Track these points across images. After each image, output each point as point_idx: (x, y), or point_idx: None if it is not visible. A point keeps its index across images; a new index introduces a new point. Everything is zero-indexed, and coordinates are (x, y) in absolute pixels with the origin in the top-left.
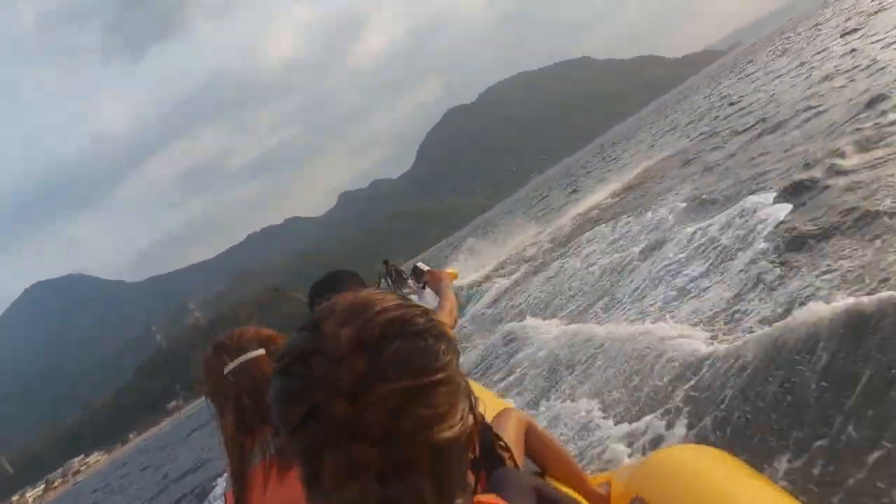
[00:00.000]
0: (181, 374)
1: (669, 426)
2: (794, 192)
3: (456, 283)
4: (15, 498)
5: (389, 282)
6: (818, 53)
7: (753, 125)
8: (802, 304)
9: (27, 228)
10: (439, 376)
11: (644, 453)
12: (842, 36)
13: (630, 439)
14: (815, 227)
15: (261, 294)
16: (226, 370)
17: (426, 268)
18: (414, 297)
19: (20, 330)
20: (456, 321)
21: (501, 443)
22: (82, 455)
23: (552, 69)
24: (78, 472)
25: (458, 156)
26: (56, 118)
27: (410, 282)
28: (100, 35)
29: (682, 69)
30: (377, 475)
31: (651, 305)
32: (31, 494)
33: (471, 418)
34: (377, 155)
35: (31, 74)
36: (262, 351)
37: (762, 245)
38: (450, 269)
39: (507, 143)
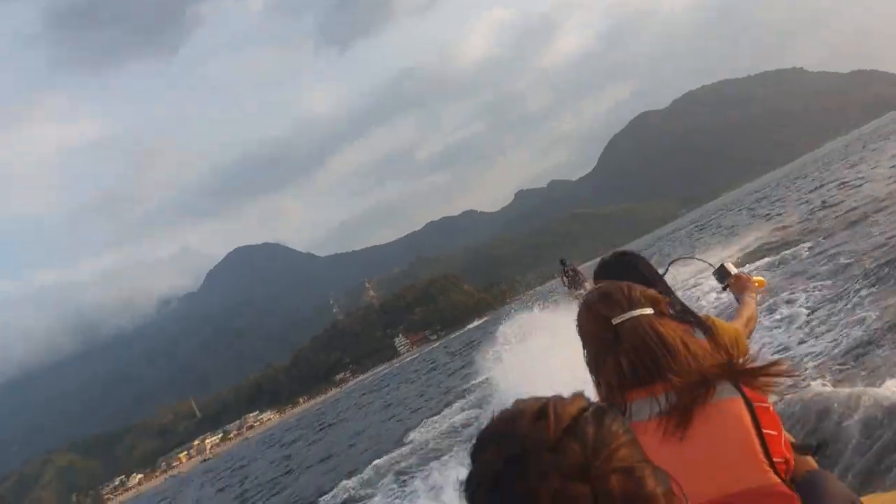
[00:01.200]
0: (351, 348)
1: None
2: None
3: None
4: (196, 442)
5: (566, 280)
6: None
7: None
8: None
9: (236, 198)
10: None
11: None
12: None
13: None
14: None
15: (434, 279)
16: (615, 321)
17: (734, 270)
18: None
19: (221, 287)
20: (751, 333)
21: None
22: (258, 411)
23: (758, 79)
24: (252, 426)
25: (642, 162)
26: (268, 100)
27: (587, 284)
28: (313, 27)
29: None
30: None
31: None
32: (209, 441)
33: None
34: (558, 156)
35: (253, 57)
36: (650, 310)
37: None
38: (757, 277)
39: (697, 153)
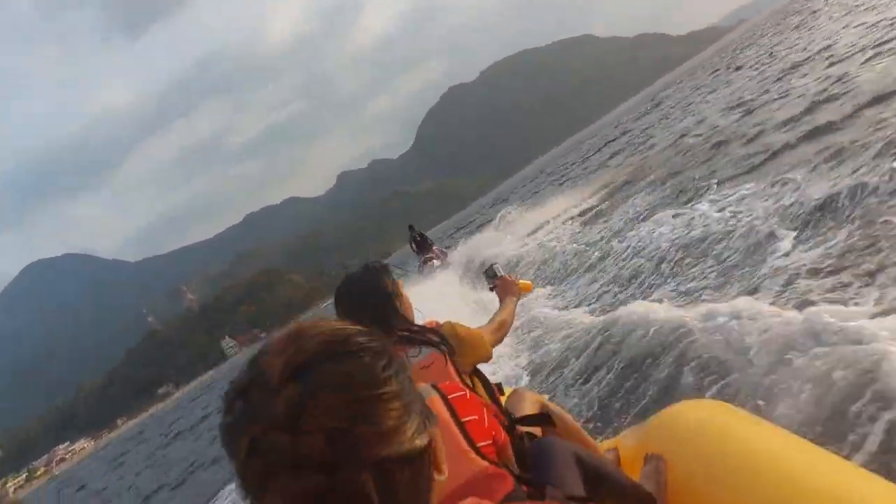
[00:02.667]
0: (173, 358)
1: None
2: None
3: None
4: None
5: (414, 247)
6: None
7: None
8: None
9: (28, 208)
10: (378, 392)
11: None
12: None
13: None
14: None
15: (257, 275)
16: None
17: (501, 272)
18: (436, 262)
19: (17, 310)
20: (501, 339)
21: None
22: (68, 442)
23: (555, 47)
24: (63, 459)
25: (458, 136)
26: (56, 99)
27: (435, 248)
28: (99, 14)
29: (687, 47)
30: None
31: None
32: (12, 484)
33: (426, 436)
34: (377, 135)
35: (32, 56)
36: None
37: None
38: (523, 280)
39: (508, 123)
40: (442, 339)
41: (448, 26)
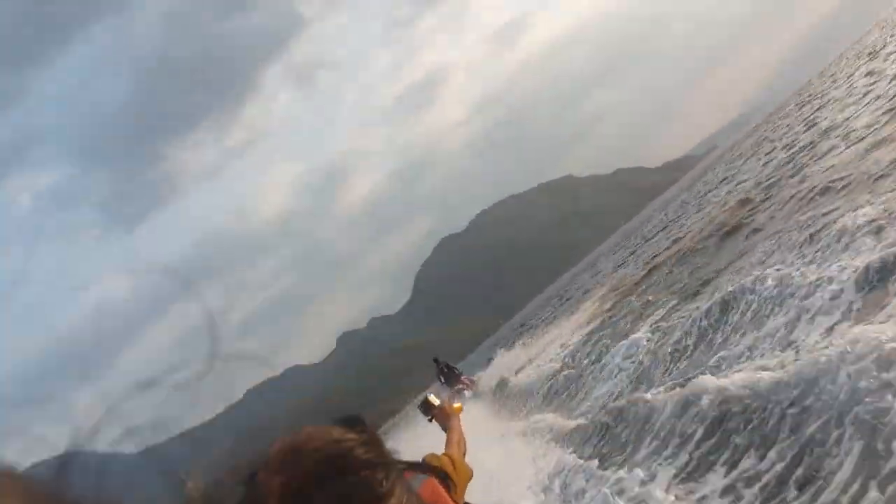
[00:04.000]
0: None
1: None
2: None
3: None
4: None
5: (442, 379)
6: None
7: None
8: None
9: (28, 404)
10: None
11: None
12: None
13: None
14: None
15: (258, 453)
16: None
17: (437, 402)
18: (467, 394)
19: None
20: (465, 452)
21: None
22: None
23: (537, 190)
24: None
25: (454, 284)
26: (57, 295)
27: (464, 378)
28: (95, 212)
29: (664, 175)
30: None
31: None
32: None
33: None
34: (373, 293)
35: (33, 254)
36: None
37: None
38: (457, 405)
39: (502, 266)
40: (441, 470)
41: (433, 182)
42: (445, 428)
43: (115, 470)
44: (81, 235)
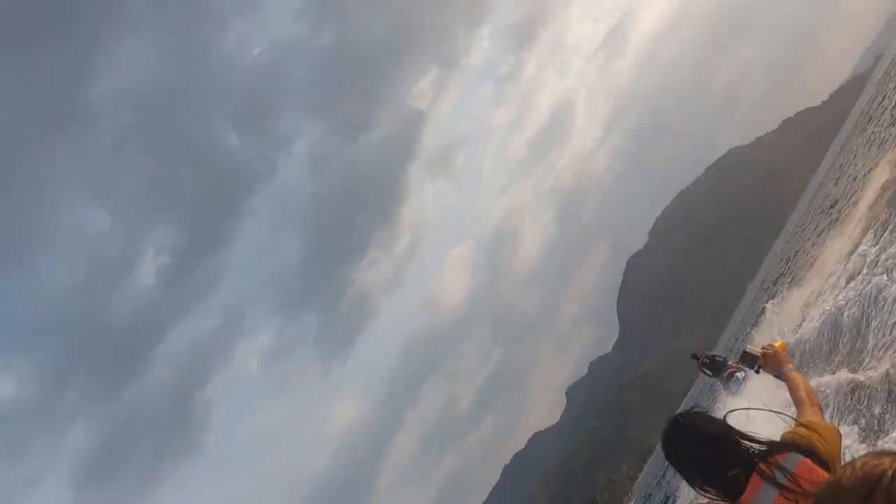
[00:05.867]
0: None
1: None
2: None
3: None
4: None
5: (708, 372)
6: None
7: None
8: None
9: None
10: None
11: None
12: None
13: None
14: None
15: None
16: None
17: (757, 351)
18: (739, 375)
19: None
20: (819, 404)
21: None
22: None
23: (704, 176)
24: None
25: (656, 301)
26: (298, 445)
27: (731, 362)
28: (312, 352)
29: (835, 108)
30: None
31: None
32: None
33: None
34: (584, 339)
35: (269, 409)
36: None
37: None
38: (778, 343)
39: (697, 269)
40: (803, 440)
41: (594, 210)
42: (781, 377)
43: None
44: (307, 376)
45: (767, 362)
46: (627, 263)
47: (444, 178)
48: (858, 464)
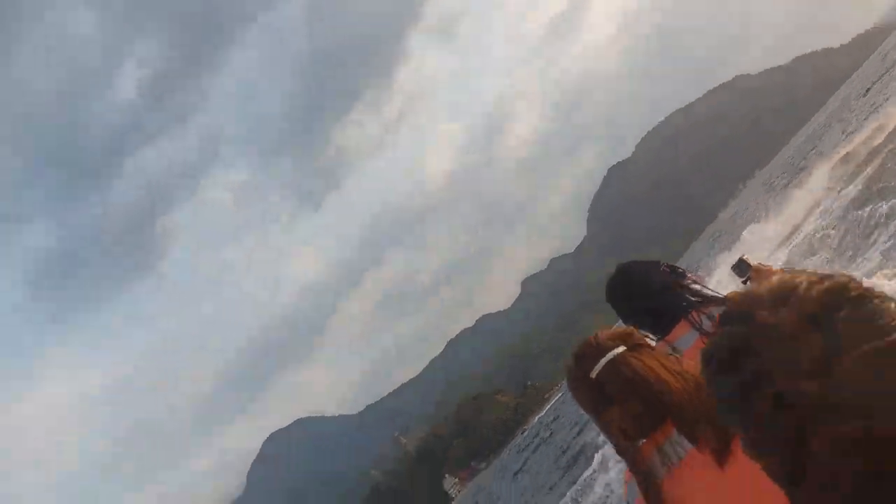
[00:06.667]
0: None
1: None
2: None
3: None
4: None
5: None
6: None
7: None
8: None
9: (254, 388)
10: None
11: None
12: None
13: None
14: None
15: (463, 405)
16: (593, 374)
17: (754, 262)
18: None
19: (263, 481)
20: None
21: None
22: None
23: (704, 100)
24: None
25: (630, 213)
26: (259, 283)
27: (692, 275)
28: (284, 198)
29: (855, 54)
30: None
31: None
32: None
33: None
34: (552, 235)
35: (233, 246)
36: (622, 347)
37: None
38: (779, 266)
39: (678, 187)
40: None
41: (593, 110)
42: None
43: (345, 429)
44: (274, 222)
45: (758, 275)
46: (609, 171)
47: (447, 48)
48: (775, 279)
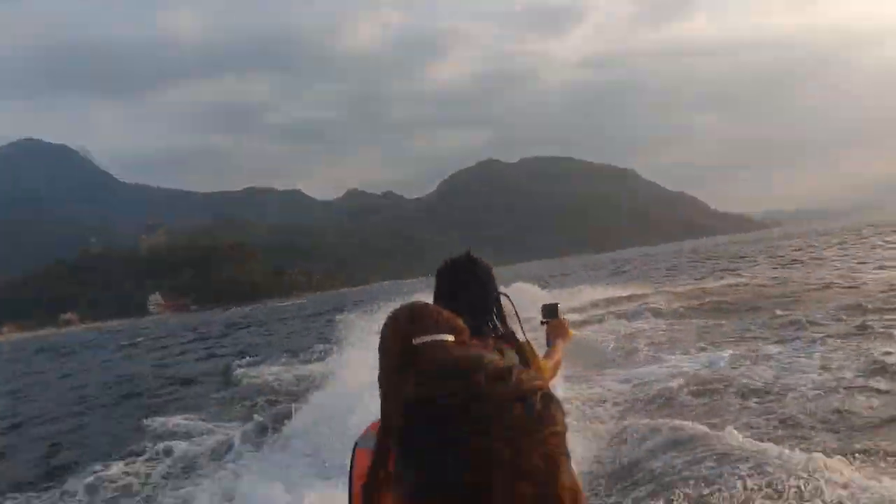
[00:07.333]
0: (93, 288)
1: None
2: None
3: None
4: None
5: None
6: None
7: None
8: None
9: (52, 85)
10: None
11: None
12: None
13: None
14: None
15: (224, 247)
16: (415, 341)
17: (562, 316)
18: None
19: None
20: (552, 378)
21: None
22: None
23: (598, 167)
24: None
25: (481, 207)
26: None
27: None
28: None
29: (717, 223)
30: None
31: None
32: None
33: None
34: (400, 171)
35: None
36: (451, 337)
37: None
38: (572, 331)
39: (535, 214)
40: (523, 356)
41: (510, 103)
42: (550, 343)
43: (104, 187)
44: None
45: (558, 326)
46: (488, 159)
47: None
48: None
